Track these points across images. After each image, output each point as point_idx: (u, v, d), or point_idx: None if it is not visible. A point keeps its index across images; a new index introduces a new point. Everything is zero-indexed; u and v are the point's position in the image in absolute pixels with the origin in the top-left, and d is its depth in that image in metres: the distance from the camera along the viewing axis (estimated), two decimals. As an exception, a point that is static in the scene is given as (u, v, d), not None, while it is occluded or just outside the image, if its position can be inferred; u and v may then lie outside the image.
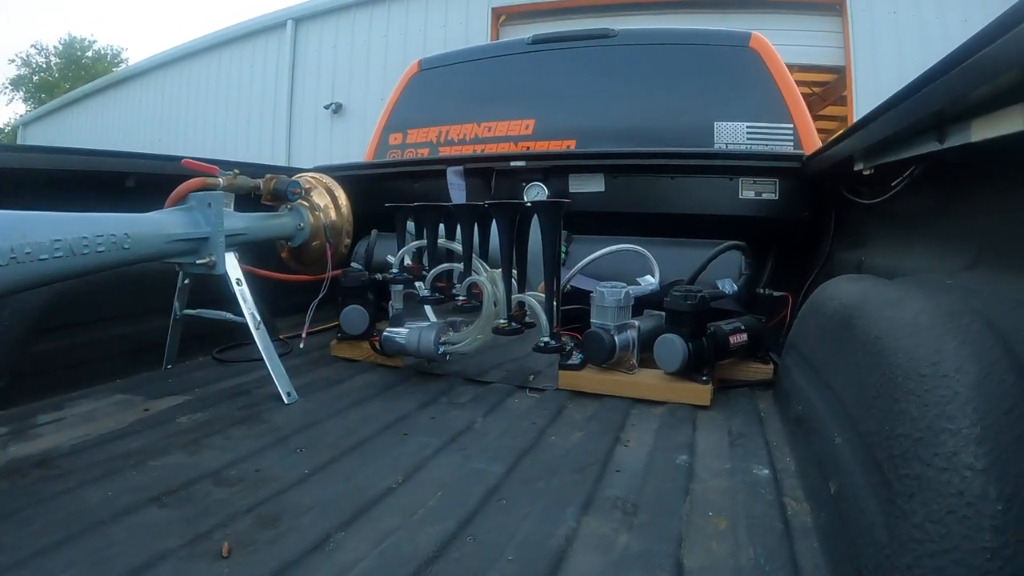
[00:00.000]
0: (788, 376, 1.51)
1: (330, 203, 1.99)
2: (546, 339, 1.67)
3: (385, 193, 2.27)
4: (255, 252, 1.89)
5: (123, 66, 33.27)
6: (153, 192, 1.69)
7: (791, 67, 3.11)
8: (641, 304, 1.82)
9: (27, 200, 1.36)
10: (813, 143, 2.59)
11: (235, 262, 1.60)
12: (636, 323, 1.68)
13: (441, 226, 1.98)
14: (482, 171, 2.56)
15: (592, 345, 1.63)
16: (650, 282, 1.90)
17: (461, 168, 2.54)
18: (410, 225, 2.06)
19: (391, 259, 2.01)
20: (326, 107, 11.76)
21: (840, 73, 8.83)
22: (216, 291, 1.67)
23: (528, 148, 2.93)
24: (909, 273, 1.40)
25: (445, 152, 3.24)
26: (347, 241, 2.04)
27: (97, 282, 1.59)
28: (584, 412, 1.55)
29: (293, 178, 1.94)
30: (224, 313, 1.69)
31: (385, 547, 0.95)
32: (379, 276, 1.99)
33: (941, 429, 0.71)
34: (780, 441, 1.36)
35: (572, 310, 1.85)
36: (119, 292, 1.71)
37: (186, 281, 1.75)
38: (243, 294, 1.59)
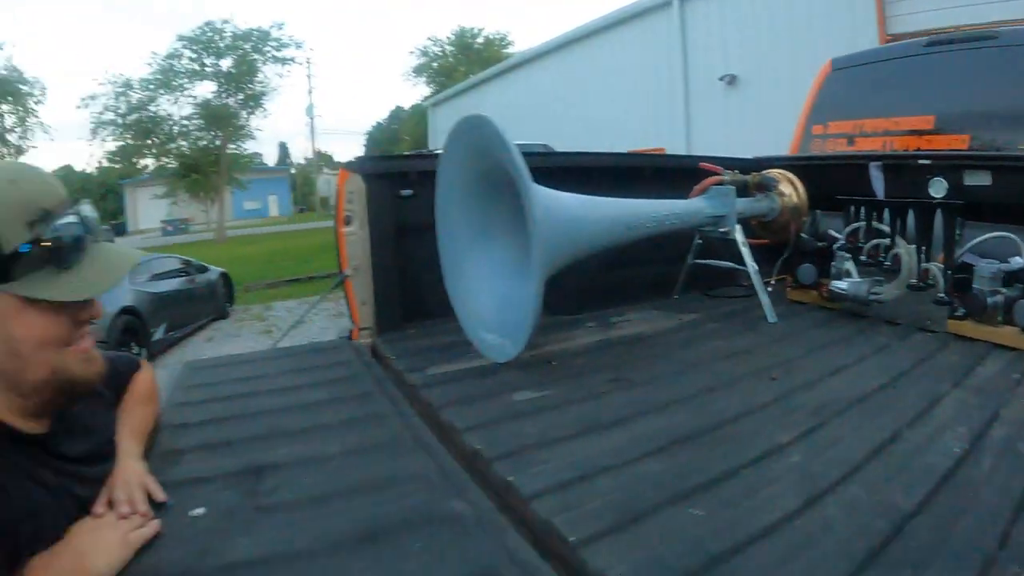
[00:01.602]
0: None
1: (792, 191, 2.86)
2: (942, 295, 2.44)
3: (821, 180, 3.05)
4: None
5: (510, 49, 37.45)
6: (675, 179, 2.71)
7: None
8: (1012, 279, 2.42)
9: (608, 187, 2.40)
10: None
11: (741, 231, 2.54)
12: (1004, 291, 2.30)
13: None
14: (894, 165, 3.21)
15: (973, 303, 2.30)
16: (1018, 262, 2.48)
17: (880, 163, 3.23)
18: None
19: (834, 233, 2.82)
20: (720, 79, 12.36)
21: None
22: (709, 250, 2.65)
23: (929, 143, 3.51)
24: None
25: (861, 143, 3.92)
26: (804, 218, 2.89)
27: (637, 240, 2.58)
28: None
29: (764, 173, 2.84)
30: (727, 263, 2.65)
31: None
32: (822, 244, 2.81)
33: None
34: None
35: (961, 278, 2.51)
36: (648, 247, 2.66)
37: (699, 242, 2.74)
38: (745, 252, 2.52)
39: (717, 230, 2.60)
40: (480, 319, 2.09)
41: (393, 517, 1.15)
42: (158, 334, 8.18)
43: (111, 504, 1.09)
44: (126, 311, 7.41)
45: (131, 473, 1.19)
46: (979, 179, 2.79)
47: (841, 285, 2.66)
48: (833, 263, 2.76)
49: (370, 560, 1.04)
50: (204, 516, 1.18)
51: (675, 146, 12.67)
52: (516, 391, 1.74)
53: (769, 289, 2.80)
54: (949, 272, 2.45)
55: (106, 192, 48.95)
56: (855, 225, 2.82)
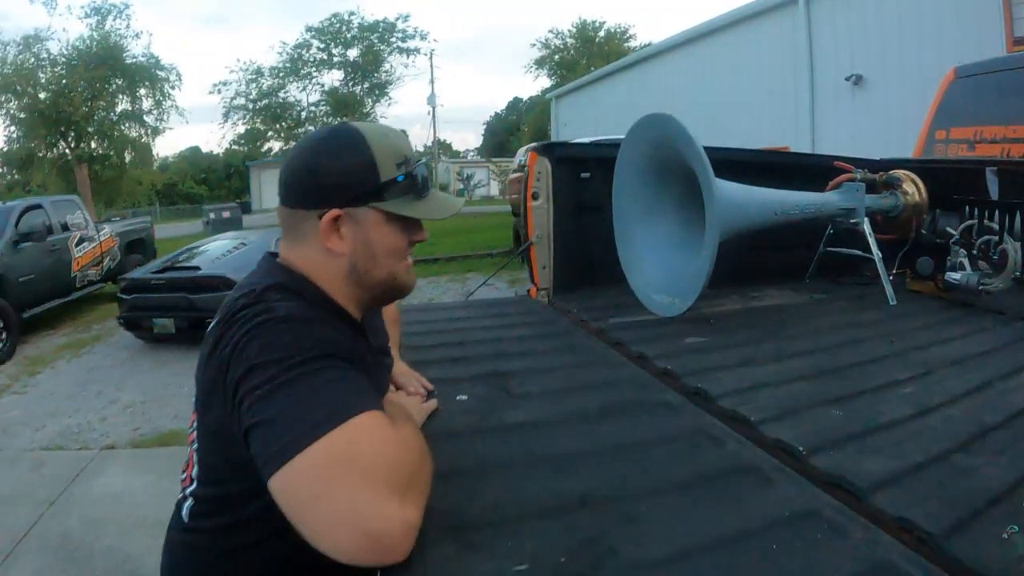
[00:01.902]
0: None
1: (915, 191, 3.22)
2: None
3: (941, 181, 3.36)
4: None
5: (631, 42, 37.77)
6: (807, 176, 3.13)
7: None
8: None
9: (765, 180, 2.83)
10: None
11: (869, 224, 2.94)
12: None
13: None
14: (1008, 170, 3.49)
15: None
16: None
17: (995, 168, 3.54)
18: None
19: (950, 230, 3.18)
20: (846, 79, 12.41)
21: None
22: (838, 240, 3.07)
23: None
24: None
25: (980, 149, 4.21)
26: (924, 216, 3.25)
27: (776, 225, 2.93)
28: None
29: (890, 173, 3.22)
30: (855, 251, 3.05)
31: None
32: (938, 240, 3.18)
33: None
34: None
35: None
36: (782, 235, 3.04)
37: (831, 231, 3.14)
38: (872, 242, 2.92)
39: (848, 221, 3.00)
40: (650, 282, 2.59)
41: (617, 402, 1.67)
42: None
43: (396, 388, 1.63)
44: (273, 278, 8.26)
45: (406, 369, 1.73)
46: None
47: (955, 276, 3.02)
48: (948, 257, 3.12)
49: (608, 426, 1.54)
50: (468, 401, 1.71)
51: (800, 144, 12.79)
52: (687, 337, 2.24)
53: (890, 277, 3.19)
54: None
55: (231, 173, 51.63)
56: (968, 223, 3.17)
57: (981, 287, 2.94)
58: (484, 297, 2.81)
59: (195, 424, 1.26)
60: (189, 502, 1.27)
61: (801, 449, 1.35)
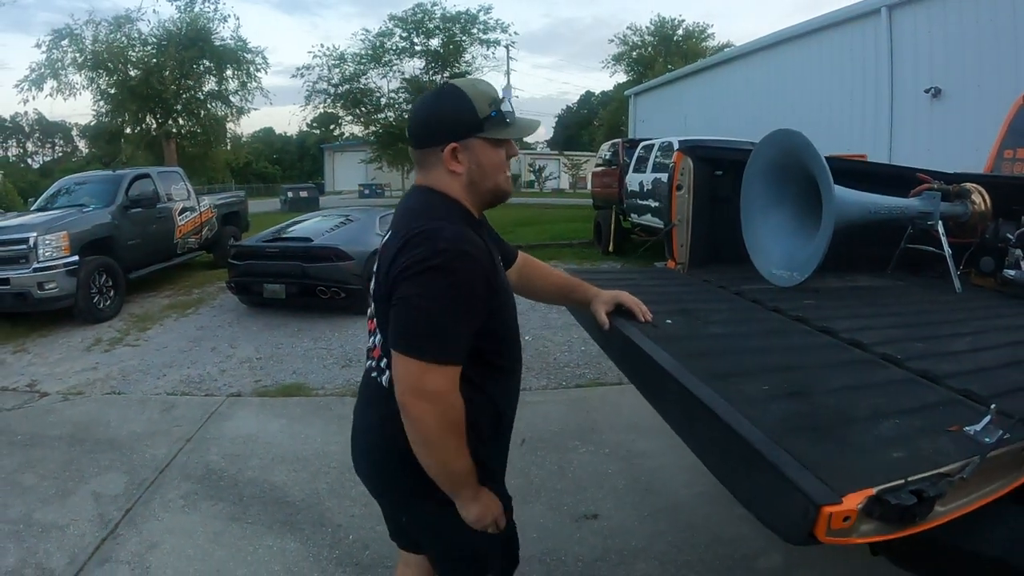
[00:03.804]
0: None
1: (981, 201, 3.93)
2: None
3: (1004, 195, 4.00)
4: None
5: (709, 42, 38.22)
6: (896, 184, 3.85)
7: None
8: None
9: (866, 185, 3.54)
10: None
11: (942, 225, 3.66)
12: None
13: None
14: None
15: None
16: None
17: None
18: None
19: (1009, 235, 3.88)
20: (925, 91, 12.76)
21: None
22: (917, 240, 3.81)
23: None
24: None
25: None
26: (988, 223, 3.95)
27: (870, 222, 3.65)
28: None
29: (962, 185, 3.93)
30: (930, 247, 3.78)
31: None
32: (999, 244, 3.88)
33: None
34: None
35: None
36: (875, 231, 3.77)
37: (910, 231, 3.88)
38: (944, 241, 3.64)
39: (925, 223, 3.73)
40: (770, 259, 3.40)
41: (773, 329, 2.56)
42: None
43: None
44: (376, 252, 9.01)
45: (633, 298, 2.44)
46: None
47: (1011, 273, 3.73)
48: (1007, 258, 3.83)
49: (775, 339, 2.41)
50: (672, 324, 2.54)
51: (877, 152, 13.06)
52: (804, 299, 3.07)
53: (957, 274, 3.91)
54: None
55: (303, 154, 53.34)
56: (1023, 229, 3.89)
57: (1033, 286, 3.67)
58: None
59: (372, 314, 1.89)
60: (387, 374, 1.77)
61: (900, 357, 2.18)
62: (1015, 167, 5.07)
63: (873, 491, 1.28)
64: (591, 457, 4.57)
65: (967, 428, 1.60)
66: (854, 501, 1.25)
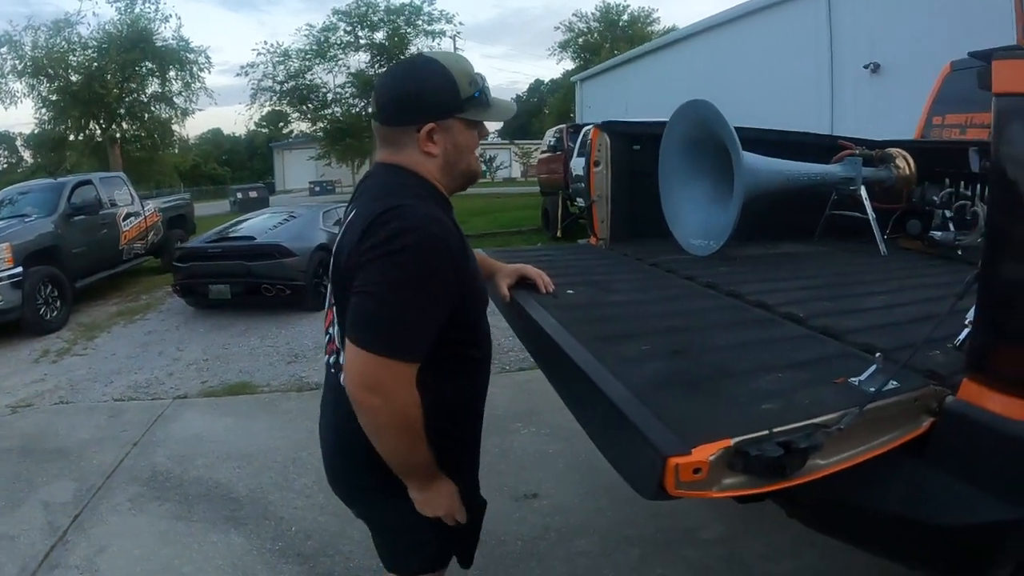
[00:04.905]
0: None
1: (905, 165, 3.97)
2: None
3: (926, 159, 4.01)
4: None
5: (655, 26, 38.57)
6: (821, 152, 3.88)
7: None
8: None
9: (789, 154, 3.57)
10: None
11: (865, 191, 3.70)
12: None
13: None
14: (985, 149, 4.10)
15: None
16: None
17: (978, 148, 4.25)
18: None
19: (933, 197, 3.93)
20: (865, 67, 13.03)
21: None
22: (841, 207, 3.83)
23: None
24: None
25: (971, 134, 4.93)
26: (913, 187, 4.00)
27: (789, 189, 3.67)
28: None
29: (885, 150, 3.97)
30: (854, 212, 3.81)
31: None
32: (925, 207, 3.93)
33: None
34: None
35: None
36: (800, 198, 3.79)
37: (834, 197, 3.91)
38: (868, 206, 3.68)
39: (848, 188, 3.76)
40: (689, 230, 3.39)
41: (680, 294, 2.54)
42: (345, 270, 9.76)
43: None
44: (321, 248, 8.99)
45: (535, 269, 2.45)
46: None
47: (937, 234, 3.78)
48: (933, 220, 3.89)
49: (679, 304, 2.38)
50: (573, 294, 2.50)
51: (819, 128, 12.91)
52: (720, 267, 3.05)
53: (884, 238, 3.95)
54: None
55: (253, 154, 52.85)
56: (948, 191, 3.93)
57: (957, 242, 3.71)
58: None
59: (332, 302, 1.72)
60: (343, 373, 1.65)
61: (802, 315, 2.18)
62: (943, 132, 5.16)
63: (731, 442, 1.25)
64: (533, 438, 4.62)
65: (851, 379, 1.57)
66: (706, 452, 1.21)
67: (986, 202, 3.70)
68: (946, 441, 1.51)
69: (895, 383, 1.50)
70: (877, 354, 1.61)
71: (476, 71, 1.69)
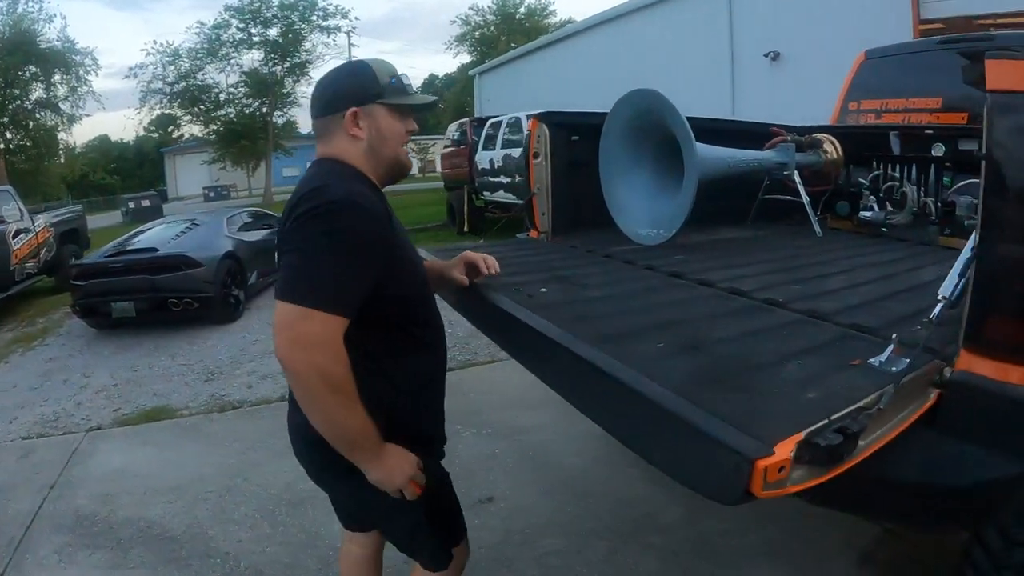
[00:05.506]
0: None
1: (833, 150, 4.07)
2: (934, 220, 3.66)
3: (854, 143, 4.18)
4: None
5: (551, 19, 38.92)
6: (751, 139, 3.93)
7: None
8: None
9: (723, 141, 3.59)
10: None
11: (798, 175, 3.77)
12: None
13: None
14: (908, 134, 4.21)
15: (956, 225, 3.51)
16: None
17: (897, 132, 4.42)
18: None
19: (861, 180, 4.04)
20: (765, 55, 13.47)
21: None
22: (774, 191, 3.89)
23: (936, 118, 4.67)
24: None
25: (886, 117, 5.11)
26: (841, 169, 4.11)
27: (729, 175, 3.71)
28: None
29: (814, 136, 4.06)
30: (788, 196, 3.88)
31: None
32: (852, 189, 4.04)
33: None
34: None
35: (948, 209, 3.50)
36: (734, 185, 3.82)
37: (767, 182, 3.97)
38: (801, 189, 3.75)
39: (781, 173, 3.82)
40: (635, 220, 3.38)
41: (650, 287, 2.53)
42: (252, 279, 9.36)
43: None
44: (228, 256, 8.67)
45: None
46: (970, 145, 3.82)
47: (866, 214, 3.88)
48: (861, 201, 3.99)
49: (656, 297, 2.36)
50: (548, 292, 2.44)
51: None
52: (674, 255, 3.05)
53: (818, 217, 4.04)
54: (940, 205, 3.65)
55: (143, 161, 50.90)
56: (876, 173, 4.05)
57: (887, 221, 3.82)
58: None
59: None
60: None
61: (781, 300, 2.19)
62: (860, 118, 5.31)
63: (802, 435, 1.24)
64: (476, 440, 4.50)
65: (871, 360, 1.63)
66: (786, 449, 1.20)
67: (912, 182, 3.88)
68: (954, 409, 1.65)
69: (907, 361, 1.57)
70: (894, 335, 1.66)
71: (399, 71, 1.86)
